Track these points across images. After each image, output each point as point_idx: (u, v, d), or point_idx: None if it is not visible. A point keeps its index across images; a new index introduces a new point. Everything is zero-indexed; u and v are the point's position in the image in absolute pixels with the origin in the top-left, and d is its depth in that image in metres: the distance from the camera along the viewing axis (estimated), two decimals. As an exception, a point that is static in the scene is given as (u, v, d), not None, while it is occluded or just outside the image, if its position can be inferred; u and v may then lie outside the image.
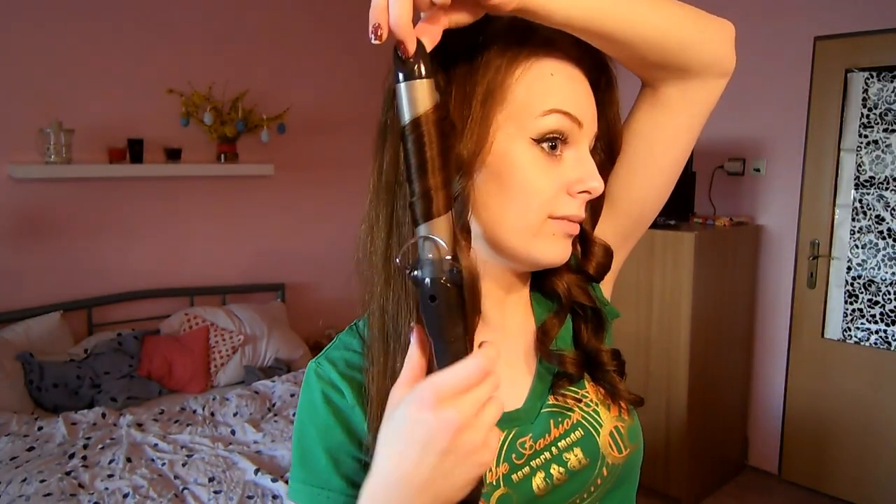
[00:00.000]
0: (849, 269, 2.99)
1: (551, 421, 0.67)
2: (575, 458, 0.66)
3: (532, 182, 0.60)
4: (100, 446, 2.30)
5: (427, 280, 0.49)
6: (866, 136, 2.90)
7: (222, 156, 3.31)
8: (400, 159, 0.58)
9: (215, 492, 2.04)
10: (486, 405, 0.48)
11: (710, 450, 3.12)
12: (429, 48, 0.50)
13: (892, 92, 2.81)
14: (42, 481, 2.02)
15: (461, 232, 0.57)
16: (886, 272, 2.89)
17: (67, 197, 2.94)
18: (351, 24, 3.69)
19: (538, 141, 0.60)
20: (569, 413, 0.68)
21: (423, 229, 0.50)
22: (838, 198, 3.00)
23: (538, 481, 0.64)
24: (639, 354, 3.03)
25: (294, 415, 2.70)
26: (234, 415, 2.61)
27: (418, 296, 0.50)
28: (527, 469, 0.65)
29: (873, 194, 2.90)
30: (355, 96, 3.70)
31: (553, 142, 0.61)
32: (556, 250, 0.63)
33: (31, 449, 2.24)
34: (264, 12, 3.45)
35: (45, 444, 2.28)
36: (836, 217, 3.01)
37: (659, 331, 2.97)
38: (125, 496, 2.00)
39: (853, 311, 2.99)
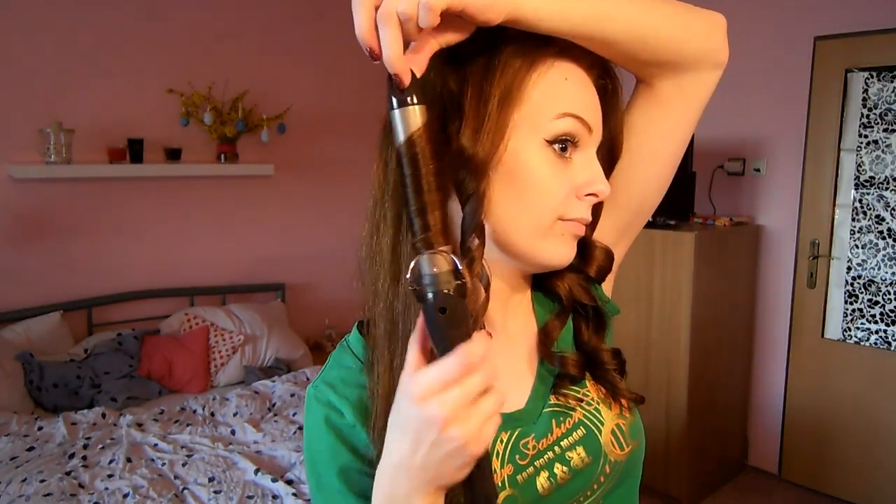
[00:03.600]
0: (849, 269, 2.99)
1: (553, 421, 0.68)
2: (578, 456, 0.67)
3: (545, 182, 0.61)
4: (100, 446, 2.30)
5: (430, 294, 0.51)
6: (866, 136, 2.90)
7: (222, 156, 3.31)
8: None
9: (215, 492, 2.04)
10: (481, 397, 0.49)
11: (710, 450, 3.12)
12: (419, 74, 0.52)
13: (892, 92, 2.81)
14: (42, 481, 2.02)
15: (476, 231, 0.58)
16: (886, 272, 2.89)
17: (67, 197, 2.94)
18: (351, 23, 3.68)
19: (550, 142, 0.61)
20: (570, 412, 0.69)
21: (423, 250, 0.52)
22: (838, 198, 3.00)
23: (542, 481, 0.65)
24: (639, 354, 3.03)
25: (294, 415, 2.72)
26: (234, 415, 2.61)
27: (422, 309, 0.52)
28: (531, 469, 0.65)
29: (873, 194, 2.90)
30: (355, 96, 3.70)
31: (564, 144, 0.62)
32: (563, 251, 0.64)
33: (31, 449, 2.24)
34: (264, 12, 3.45)
35: (45, 444, 2.28)
36: (836, 217, 3.01)
37: (659, 331, 2.97)
38: (125, 496, 2.00)
39: (853, 311, 2.99)
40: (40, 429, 2.37)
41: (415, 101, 0.52)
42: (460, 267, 0.52)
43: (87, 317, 3.02)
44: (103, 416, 2.50)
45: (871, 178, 2.91)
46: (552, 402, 0.69)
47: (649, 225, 2.82)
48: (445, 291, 0.51)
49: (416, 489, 0.52)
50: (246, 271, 3.52)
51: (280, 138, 3.45)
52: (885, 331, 2.90)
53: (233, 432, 2.50)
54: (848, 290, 3.00)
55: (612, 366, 0.71)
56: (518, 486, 0.64)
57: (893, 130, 2.83)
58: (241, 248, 3.49)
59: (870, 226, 2.92)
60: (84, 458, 2.21)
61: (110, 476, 2.11)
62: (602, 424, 0.69)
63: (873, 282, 2.92)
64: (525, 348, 0.71)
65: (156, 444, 2.34)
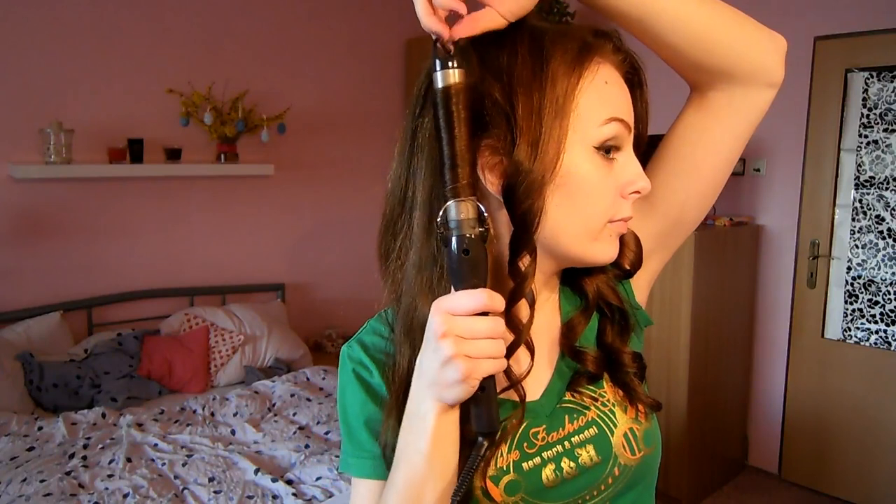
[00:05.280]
0: (849, 269, 2.99)
1: (566, 416, 0.68)
2: (587, 454, 0.67)
3: (597, 189, 0.62)
4: (100, 446, 2.30)
5: (455, 237, 0.56)
6: (866, 136, 2.90)
7: (222, 156, 3.31)
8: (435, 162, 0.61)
9: (215, 492, 2.04)
10: (484, 339, 0.54)
11: (710, 450, 3.12)
12: (461, 43, 0.56)
13: (892, 92, 2.81)
14: (42, 481, 2.02)
15: (528, 249, 0.60)
16: (886, 272, 2.89)
17: (67, 197, 2.94)
18: (351, 24, 3.69)
19: (598, 148, 0.62)
20: (584, 411, 0.69)
21: (450, 196, 0.56)
22: (838, 198, 3.00)
23: (548, 472, 0.66)
24: (639, 354, 3.03)
25: (294, 415, 2.72)
26: (234, 415, 2.61)
27: (446, 252, 0.57)
28: (538, 459, 0.66)
29: (873, 194, 2.90)
30: (355, 96, 3.70)
31: (609, 147, 0.62)
32: (610, 250, 0.66)
33: (31, 449, 2.24)
34: (264, 12, 3.45)
35: (45, 444, 2.28)
36: (836, 217, 3.01)
37: (659, 331, 2.97)
38: (125, 496, 2.00)
39: (853, 311, 2.99)
40: (40, 429, 2.37)
41: (456, 64, 0.55)
42: (485, 215, 0.56)
43: (87, 317, 3.01)
44: (103, 416, 2.50)
45: (871, 178, 2.91)
46: (567, 398, 0.69)
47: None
48: (469, 236, 0.55)
49: (422, 391, 0.57)
50: (246, 271, 3.52)
51: (280, 138, 3.45)
52: (885, 331, 2.90)
53: (233, 432, 2.50)
54: (848, 290, 3.00)
55: (632, 369, 0.71)
56: (523, 472, 0.65)
57: (893, 130, 2.83)
58: (241, 248, 3.49)
59: (870, 226, 2.92)
60: (84, 458, 2.21)
61: (110, 476, 2.11)
62: (615, 426, 0.69)
63: (873, 282, 2.92)
64: (547, 343, 0.72)
65: (156, 444, 2.34)
